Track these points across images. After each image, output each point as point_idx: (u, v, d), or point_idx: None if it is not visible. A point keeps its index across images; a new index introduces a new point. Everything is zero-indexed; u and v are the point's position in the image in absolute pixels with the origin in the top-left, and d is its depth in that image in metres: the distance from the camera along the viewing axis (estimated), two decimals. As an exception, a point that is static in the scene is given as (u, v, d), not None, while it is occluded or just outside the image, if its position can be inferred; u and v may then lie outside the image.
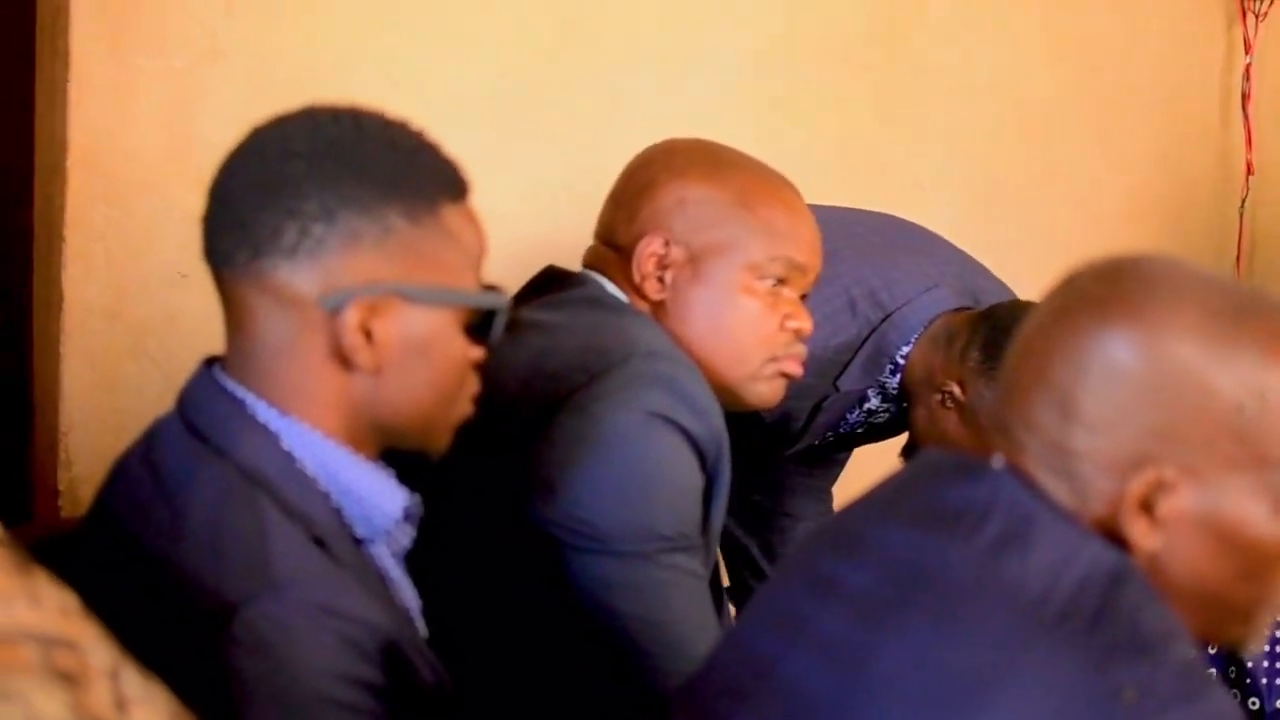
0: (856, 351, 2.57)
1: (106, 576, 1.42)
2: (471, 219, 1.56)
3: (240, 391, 1.50)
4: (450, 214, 1.52)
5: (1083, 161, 3.84)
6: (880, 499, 1.41)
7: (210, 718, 1.28)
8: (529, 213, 3.01)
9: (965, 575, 1.27)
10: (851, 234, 2.55)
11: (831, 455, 2.87)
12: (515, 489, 1.84)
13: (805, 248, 2.00)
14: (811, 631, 1.34)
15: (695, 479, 1.88)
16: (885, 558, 1.33)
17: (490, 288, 1.58)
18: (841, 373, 2.56)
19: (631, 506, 1.82)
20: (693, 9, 3.24)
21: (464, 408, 1.60)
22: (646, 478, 1.84)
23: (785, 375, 2.02)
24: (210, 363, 1.55)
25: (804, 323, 2.00)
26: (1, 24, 3.11)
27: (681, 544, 1.85)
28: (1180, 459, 1.29)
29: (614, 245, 2.02)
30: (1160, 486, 1.29)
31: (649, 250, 1.97)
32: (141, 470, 1.52)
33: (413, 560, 1.63)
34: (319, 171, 1.46)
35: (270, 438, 1.48)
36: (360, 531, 1.52)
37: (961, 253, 2.75)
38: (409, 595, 1.60)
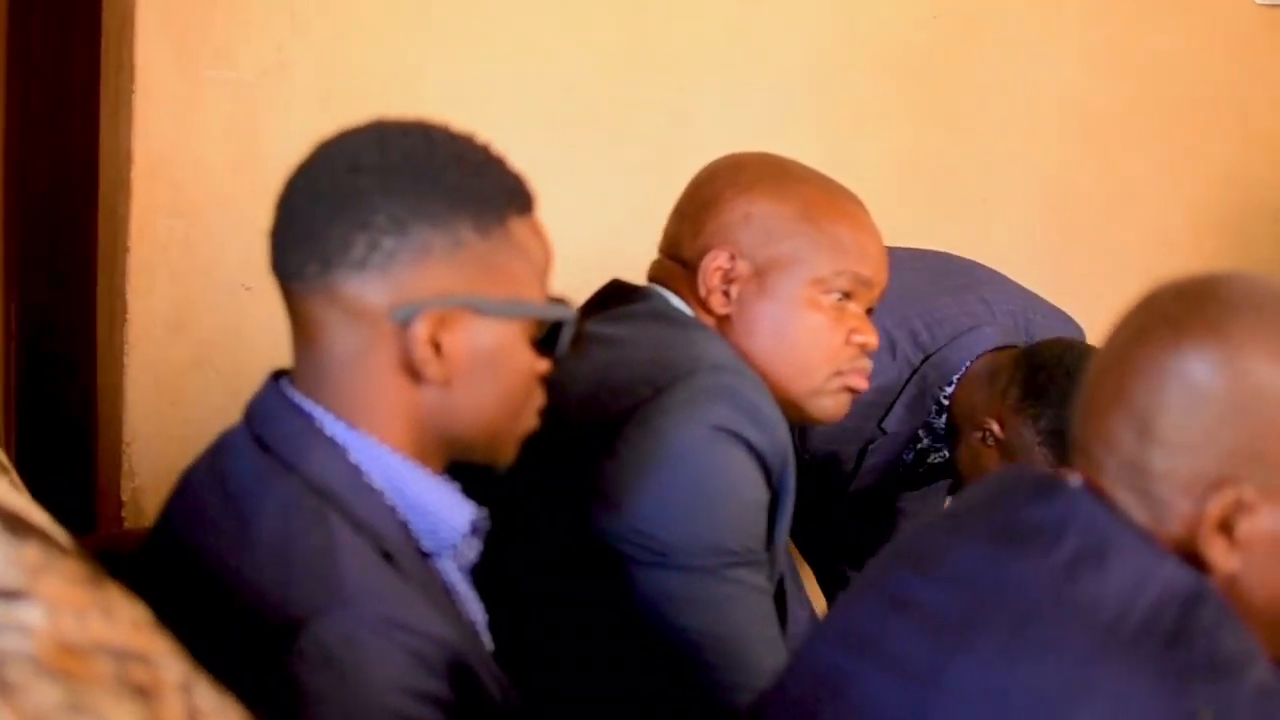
0: (899, 393, 2.57)
1: (173, 590, 1.42)
2: (538, 231, 1.56)
3: (308, 405, 1.50)
4: (518, 226, 1.52)
5: (1150, 176, 3.81)
6: (955, 517, 1.40)
7: None
8: (592, 227, 3.01)
9: (1040, 593, 1.26)
10: (894, 274, 2.55)
11: (900, 492, 2.86)
12: (579, 503, 1.83)
13: (871, 262, 1.98)
14: (884, 649, 1.33)
15: (760, 493, 1.87)
16: (959, 575, 1.32)
17: (557, 300, 1.58)
18: (885, 414, 2.56)
19: (696, 521, 1.81)
20: (756, 24, 3.24)
21: (530, 420, 1.59)
22: (711, 492, 1.83)
23: (850, 390, 2.01)
24: (277, 376, 1.55)
25: (869, 337, 1.98)
26: (67, 37, 3.13)
27: (746, 558, 1.84)
28: (1260, 480, 1.27)
29: (679, 259, 2.01)
30: (1239, 507, 1.27)
31: (714, 264, 1.96)
32: (209, 484, 1.52)
33: (478, 574, 1.62)
34: (388, 184, 1.46)
35: (339, 452, 1.47)
36: (427, 545, 1.52)
37: (1016, 288, 2.75)
38: (475, 609, 1.59)
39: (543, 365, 1.57)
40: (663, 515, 1.80)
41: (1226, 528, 1.28)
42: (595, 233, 3.00)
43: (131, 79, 2.64)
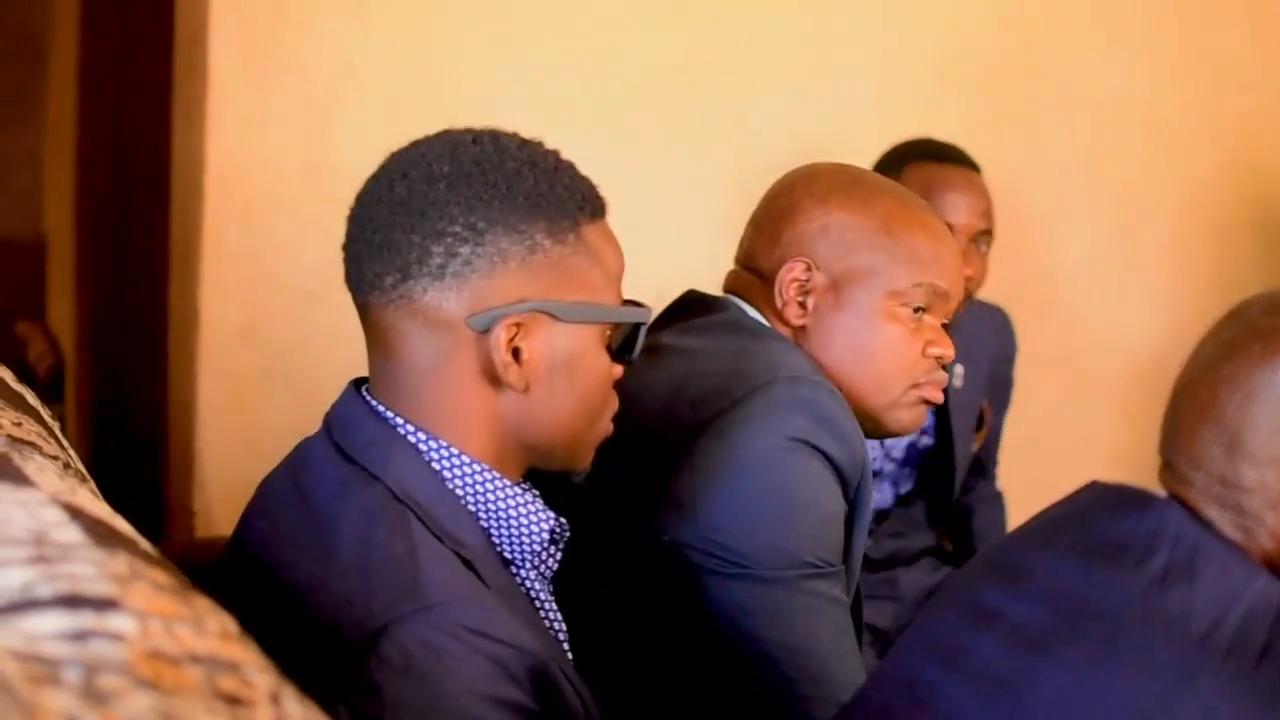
0: None
1: (252, 600, 1.42)
2: (610, 237, 1.57)
3: (389, 414, 1.50)
4: (591, 232, 1.53)
5: (1219, 184, 3.78)
6: (1043, 530, 1.39)
7: None
8: (660, 234, 3.00)
9: (1130, 607, 1.25)
10: None
11: None
12: (655, 513, 1.82)
13: (948, 274, 1.97)
14: (971, 661, 1.32)
15: (837, 504, 1.86)
16: (1048, 589, 1.31)
17: (631, 303, 1.58)
18: None
19: (773, 532, 1.80)
20: (822, 30, 3.23)
21: (605, 426, 1.61)
22: (788, 503, 1.82)
23: (926, 402, 2.00)
24: (357, 385, 1.55)
25: (946, 350, 1.97)
26: (139, 45, 3.15)
27: (823, 570, 1.83)
28: None
29: (755, 270, 2.00)
30: None
31: (791, 275, 1.94)
32: (287, 494, 1.53)
33: (556, 583, 1.62)
34: (464, 192, 1.47)
35: (421, 460, 1.48)
36: (509, 554, 1.52)
37: None
38: (556, 619, 1.60)
39: (618, 370, 1.58)
40: (739, 526, 1.79)
41: (1318, 543, 1.27)
42: (660, 242, 2.99)
43: (204, 88, 2.66)
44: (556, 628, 1.59)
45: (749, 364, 1.87)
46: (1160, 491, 1.33)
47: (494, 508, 1.51)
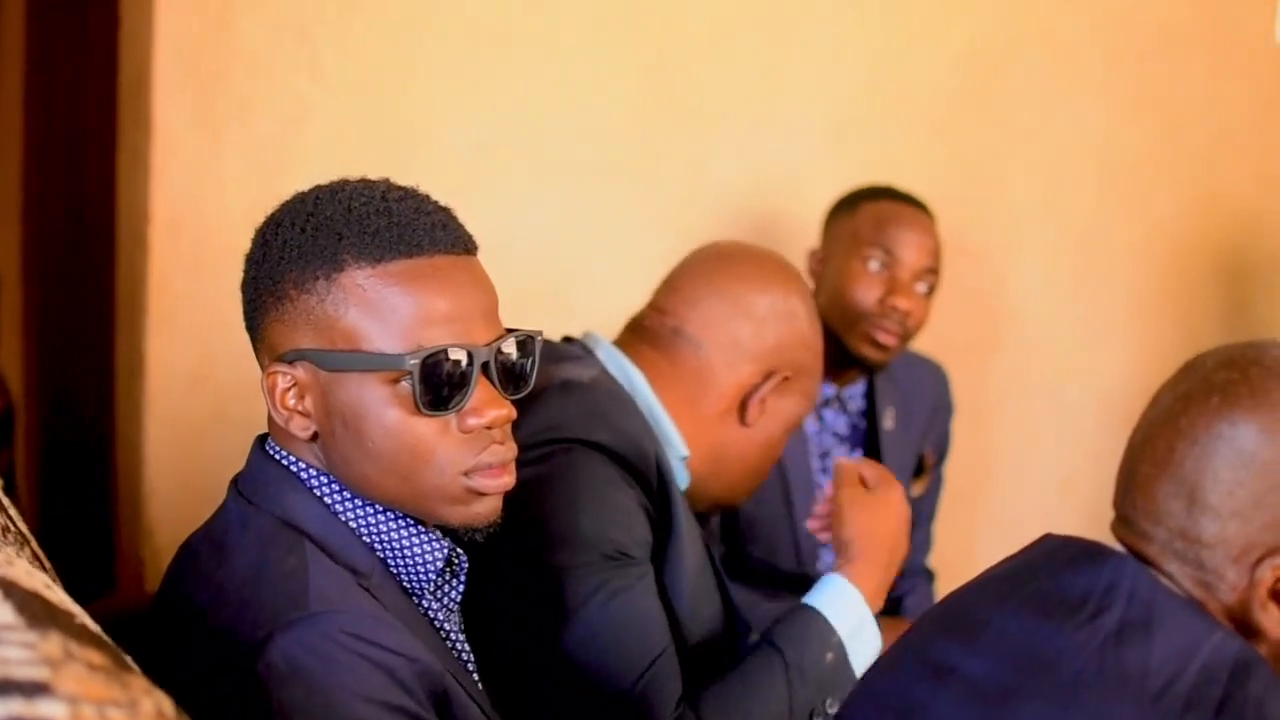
0: None
1: (168, 646, 1.46)
2: (401, 276, 1.45)
3: (283, 456, 1.53)
4: (357, 276, 1.45)
5: (1175, 219, 3.79)
6: (997, 583, 1.38)
7: None
8: (618, 278, 2.98)
9: (1087, 662, 1.24)
10: None
11: None
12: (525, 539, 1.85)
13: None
14: (927, 718, 1.30)
15: (624, 495, 1.91)
16: (1004, 644, 1.30)
17: (443, 350, 1.45)
18: None
19: (566, 528, 1.86)
20: (776, 75, 3.23)
21: (444, 480, 1.48)
22: (572, 499, 1.88)
23: None
24: (261, 439, 1.58)
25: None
26: (85, 91, 3.12)
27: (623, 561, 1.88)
28: None
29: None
30: None
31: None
32: (202, 542, 1.54)
33: (468, 618, 1.65)
34: (259, 250, 1.53)
35: (310, 495, 1.50)
36: (407, 583, 1.53)
37: None
38: (463, 648, 1.60)
39: (434, 424, 1.46)
40: (548, 532, 1.87)
41: (1279, 596, 1.26)
42: (620, 285, 2.98)
43: (149, 135, 2.63)
44: (464, 656, 1.60)
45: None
46: (1114, 544, 1.32)
47: (387, 539, 1.52)
